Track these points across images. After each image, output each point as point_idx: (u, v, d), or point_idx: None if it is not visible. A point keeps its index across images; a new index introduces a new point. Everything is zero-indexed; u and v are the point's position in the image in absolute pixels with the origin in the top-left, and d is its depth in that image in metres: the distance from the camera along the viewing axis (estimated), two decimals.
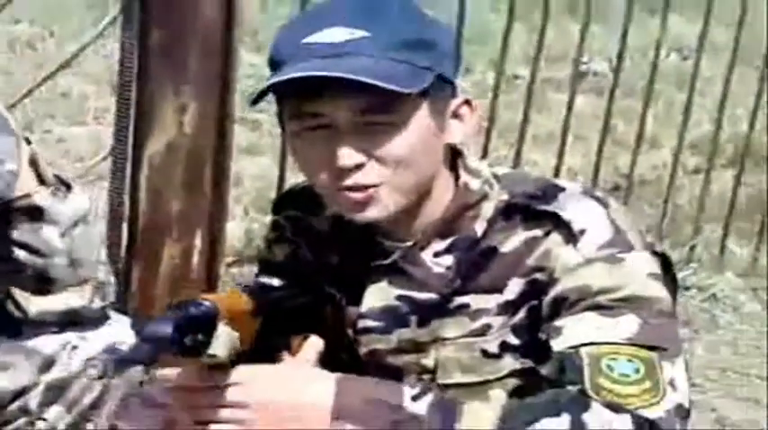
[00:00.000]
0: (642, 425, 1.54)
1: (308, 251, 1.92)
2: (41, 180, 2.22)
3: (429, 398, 1.59)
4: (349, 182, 1.61)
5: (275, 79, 1.57)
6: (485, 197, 1.74)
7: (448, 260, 1.75)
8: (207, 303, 1.56)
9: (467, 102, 1.72)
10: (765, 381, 3.59)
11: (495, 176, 1.78)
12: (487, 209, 1.73)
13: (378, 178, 1.64)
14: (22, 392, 2.33)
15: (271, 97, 1.69)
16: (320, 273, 1.86)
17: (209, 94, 2.82)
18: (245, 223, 4.20)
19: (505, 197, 1.74)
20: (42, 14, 7.70)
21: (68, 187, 2.25)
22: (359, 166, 1.62)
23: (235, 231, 4.00)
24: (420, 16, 1.74)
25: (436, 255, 1.74)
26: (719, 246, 4.56)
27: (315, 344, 1.72)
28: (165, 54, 2.76)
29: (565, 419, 1.51)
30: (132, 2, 2.76)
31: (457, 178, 1.75)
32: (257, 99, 1.62)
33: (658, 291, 1.67)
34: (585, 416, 1.52)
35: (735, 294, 4.41)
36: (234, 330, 1.60)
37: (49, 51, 6.10)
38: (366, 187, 1.65)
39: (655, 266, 1.68)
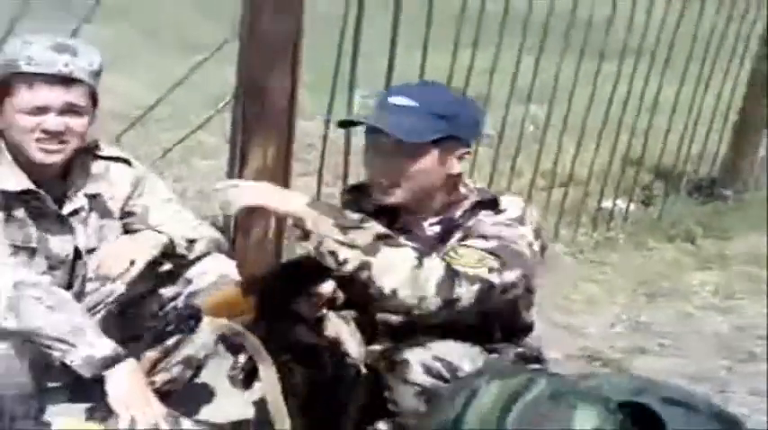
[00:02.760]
0: (450, 271, 2.31)
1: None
2: None
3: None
4: (381, 182, 2.55)
5: (345, 118, 2.66)
6: (465, 198, 2.62)
7: (436, 228, 2.61)
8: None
9: (468, 152, 2.60)
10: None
11: (474, 188, 2.66)
12: (465, 204, 2.60)
13: (392, 183, 2.54)
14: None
15: None
16: None
17: (280, 143, 3.60)
18: None
19: (477, 199, 2.61)
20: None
21: None
22: (383, 175, 2.54)
23: None
24: (452, 98, 2.65)
25: (431, 225, 2.62)
26: None
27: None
28: (257, 120, 3.54)
29: (412, 254, 2.31)
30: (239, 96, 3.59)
31: (455, 187, 2.60)
32: (347, 125, 2.71)
33: (524, 247, 2.47)
34: (425, 259, 2.31)
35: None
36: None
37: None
38: (390, 186, 2.55)
39: (530, 236, 2.51)
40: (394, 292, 2.29)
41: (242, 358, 2.61)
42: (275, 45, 3.50)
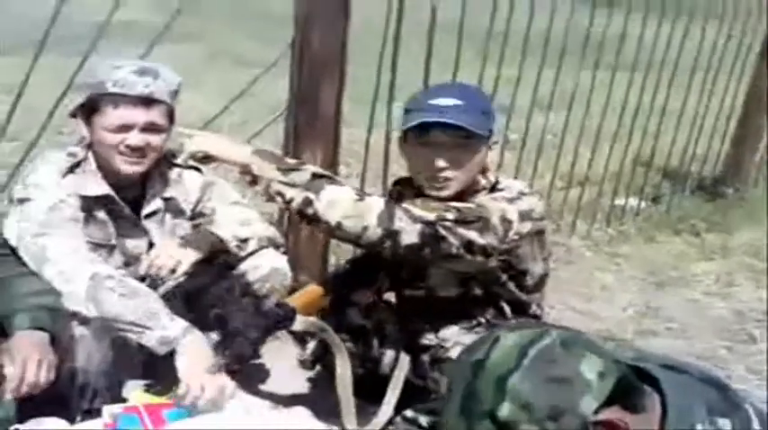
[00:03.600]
0: (391, 206, 2.34)
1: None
2: None
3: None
4: (440, 176, 2.53)
5: (419, 120, 2.50)
6: (484, 188, 2.63)
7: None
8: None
9: (496, 141, 2.63)
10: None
11: (496, 179, 2.67)
12: (483, 193, 2.61)
13: (452, 176, 2.55)
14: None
15: None
16: None
17: (327, 149, 3.63)
18: None
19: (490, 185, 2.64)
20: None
21: None
22: (444, 169, 2.54)
23: None
24: (484, 96, 2.75)
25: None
26: None
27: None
28: (307, 128, 3.58)
29: (352, 191, 2.36)
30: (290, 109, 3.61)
31: (482, 176, 2.63)
32: (406, 131, 2.58)
33: (495, 217, 2.44)
34: (366, 196, 2.36)
35: None
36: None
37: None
38: (446, 180, 2.54)
39: (511, 214, 2.47)
40: (339, 225, 2.31)
41: (310, 346, 2.65)
42: (323, 61, 3.53)
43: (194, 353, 2.50)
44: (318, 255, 3.82)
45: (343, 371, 2.55)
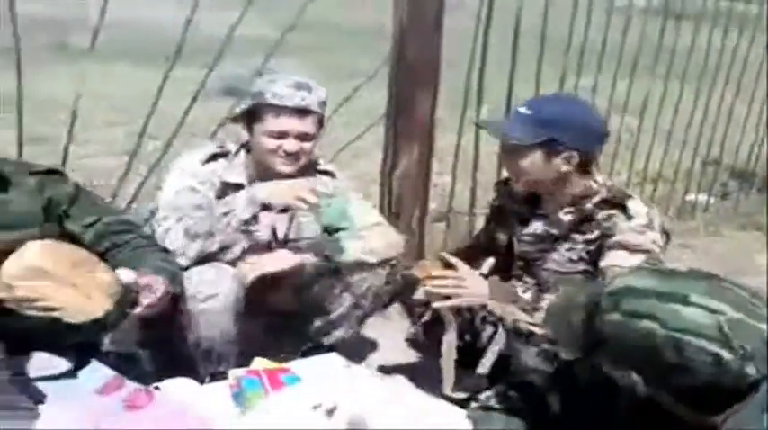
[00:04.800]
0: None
1: (508, 203, 2.74)
2: None
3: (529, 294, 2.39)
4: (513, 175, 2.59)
5: (482, 123, 2.79)
6: (596, 193, 2.54)
7: (570, 216, 2.55)
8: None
9: (584, 162, 2.50)
10: None
11: (604, 185, 2.56)
12: (594, 199, 2.53)
13: (524, 180, 2.55)
14: None
15: None
16: (511, 214, 2.71)
17: (423, 149, 3.68)
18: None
19: (606, 195, 2.53)
20: None
21: None
22: (515, 171, 2.56)
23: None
24: (564, 108, 2.52)
25: (565, 213, 2.56)
26: None
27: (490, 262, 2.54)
28: (404, 130, 3.63)
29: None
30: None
31: (583, 183, 2.53)
32: (492, 134, 2.66)
33: (656, 251, 2.42)
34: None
35: None
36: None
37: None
38: (518, 178, 2.56)
39: (659, 239, 2.46)
40: None
41: (424, 318, 2.66)
42: (418, 71, 3.55)
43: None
44: (415, 244, 3.81)
45: (450, 340, 2.55)
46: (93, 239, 2.47)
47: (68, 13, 10.31)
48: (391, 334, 3.29)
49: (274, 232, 2.86)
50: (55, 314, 2.14)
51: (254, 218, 2.66)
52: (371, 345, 3.30)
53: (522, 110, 2.50)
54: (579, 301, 1.61)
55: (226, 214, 2.62)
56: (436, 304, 2.48)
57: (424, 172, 3.78)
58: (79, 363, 2.32)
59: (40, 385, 2.19)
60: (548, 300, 2.33)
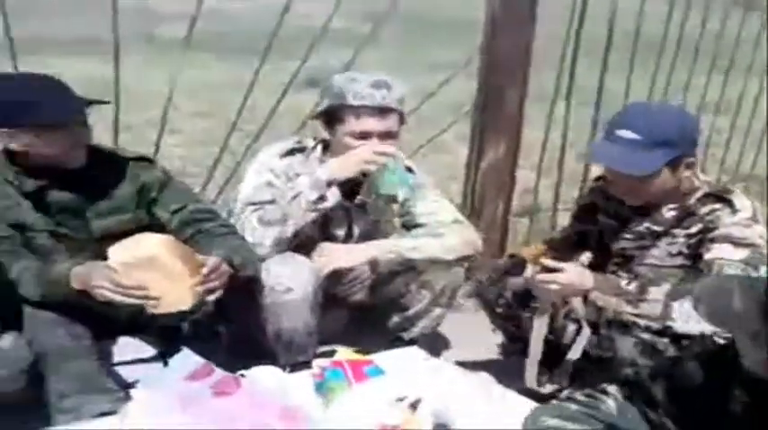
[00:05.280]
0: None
1: (601, 201, 2.71)
2: None
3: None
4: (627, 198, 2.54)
5: (593, 160, 2.72)
6: (697, 189, 2.51)
7: (673, 213, 2.52)
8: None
9: (689, 164, 2.46)
10: None
11: (706, 180, 2.56)
12: (697, 194, 2.50)
13: (637, 198, 2.52)
14: None
15: None
16: (605, 212, 2.70)
17: (510, 143, 3.68)
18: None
19: (706, 190, 2.51)
20: None
21: None
22: (627, 195, 2.53)
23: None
24: (671, 121, 2.44)
25: (668, 210, 2.52)
26: None
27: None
28: (492, 124, 3.62)
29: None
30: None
31: (687, 180, 2.50)
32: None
33: (763, 244, 2.37)
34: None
35: None
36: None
37: None
38: (633, 198, 2.52)
39: (765, 232, 2.40)
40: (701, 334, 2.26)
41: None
42: (510, 64, 3.54)
43: None
44: (497, 242, 3.81)
45: (539, 331, 2.55)
46: (177, 225, 2.53)
47: (154, 3, 10.51)
48: (466, 330, 3.27)
49: (350, 226, 2.88)
50: (146, 302, 2.19)
51: (322, 198, 2.66)
52: (446, 342, 3.28)
53: (629, 135, 2.41)
54: (730, 286, 1.54)
55: (294, 197, 2.64)
56: (539, 292, 2.50)
57: (510, 166, 3.76)
58: (166, 349, 2.37)
59: (130, 369, 2.24)
60: (653, 292, 2.32)
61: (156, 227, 2.48)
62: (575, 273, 2.42)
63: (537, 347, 2.56)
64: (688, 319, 2.25)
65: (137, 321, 2.48)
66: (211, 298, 2.30)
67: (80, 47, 8.93)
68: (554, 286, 2.41)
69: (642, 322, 2.32)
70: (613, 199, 2.64)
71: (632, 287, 2.38)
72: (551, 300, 2.55)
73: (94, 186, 2.42)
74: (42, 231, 2.38)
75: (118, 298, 2.17)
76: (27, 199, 2.37)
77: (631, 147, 2.39)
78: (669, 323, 2.29)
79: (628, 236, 2.61)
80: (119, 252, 2.19)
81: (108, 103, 2.50)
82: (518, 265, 2.59)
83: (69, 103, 2.32)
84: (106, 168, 2.46)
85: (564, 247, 2.65)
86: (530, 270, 2.55)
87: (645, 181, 2.44)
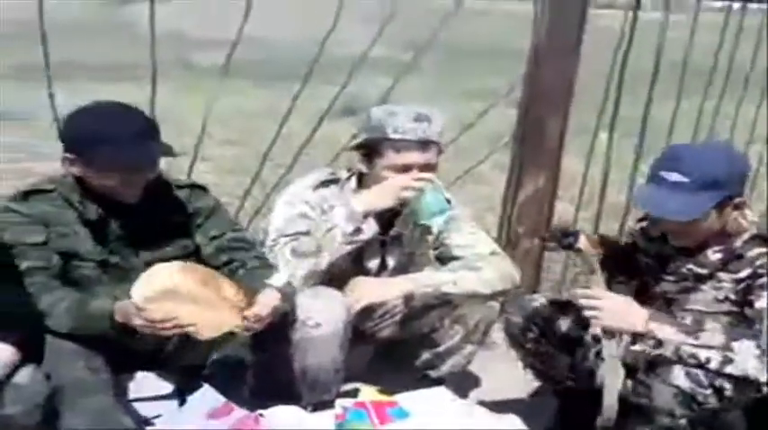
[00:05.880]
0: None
1: (642, 242, 2.64)
2: None
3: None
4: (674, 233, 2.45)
5: (642, 207, 2.56)
6: (745, 230, 2.43)
7: (719, 255, 2.43)
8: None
9: (737, 204, 2.40)
10: None
11: (754, 221, 2.46)
12: (744, 236, 2.42)
13: (685, 241, 2.44)
14: None
15: None
16: (645, 253, 2.61)
17: (549, 175, 3.60)
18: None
19: (754, 232, 2.43)
20: None
21: None
22: (677, 238, 2.45)
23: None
24: (719, 162, 2.36)
25: (714, 252, 2.43)
26: None
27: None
28: (532, 155, 3.57)
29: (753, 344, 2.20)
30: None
31: (736, 220, 2.43)
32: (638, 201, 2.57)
33: None
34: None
35: None
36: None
37: None
38: (682, 240, 2.46)
39: None
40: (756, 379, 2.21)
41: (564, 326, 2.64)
42: (552, 95, 3.50)
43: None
44: (532, 274, 3.75)
45: (613, 356, 2.43)
46: (212, 252, 2.53)
47: (189, 29, 10.60)
48: (495, 367, 3.22)
49: (383, 259, 2.85)
50: (189, 330, 2.18)
51: (358, 230, 2.64)
52: (476, 380, 3.21)
53: (675, 177, 2.34)
54: None
55: (329, 230, 2.61)
56: (596, 329, 2.44)
57: (549, 199, 3.70)
58: (187, 386, 2.33)
59: (150, 405, 2.21)
60: (710, 325, 2.27)
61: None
62: (625, 306, 2.35)
63: (613, 381, 2.43)
64: (747, 358, 2.19)
65: (158, 356, 2.45)
66: (258, 326, 2.28)
67: (116, 72, 9.06)
68: (595, 312, 2.33)
69: (703, 355, 2.22)
70: (656, 240, 2.57)
71: (688, 321, 2.33)
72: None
73: (149, 216, 2.41)
74: (91, 261, 2.36)
75: (159, 332, 2.16)
76: (86, 226, 2.35)
77: (677, 191, 2.32)
78: (729, 355, 2.21)
79: (670, 278, 2.52)
80: (140, 289, 2.18)
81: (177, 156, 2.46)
82: (574, 235, 2.59)
83: (150, 149, 2.33)
84: (161, 198, 2.46)
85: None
86: (582, 240, 2.56)
87: (691, 223, 2.37)
